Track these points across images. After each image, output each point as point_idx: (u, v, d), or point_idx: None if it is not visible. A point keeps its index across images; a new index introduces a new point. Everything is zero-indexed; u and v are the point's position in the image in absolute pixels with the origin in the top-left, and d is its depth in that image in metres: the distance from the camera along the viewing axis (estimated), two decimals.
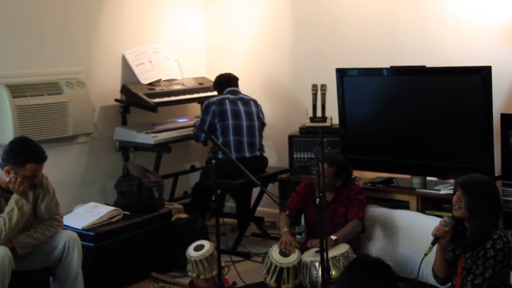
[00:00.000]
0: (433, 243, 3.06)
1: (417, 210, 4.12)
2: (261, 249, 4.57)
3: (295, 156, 4.69)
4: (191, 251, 3.88)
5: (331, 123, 4.65)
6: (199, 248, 3.89)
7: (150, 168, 4.71)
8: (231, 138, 4.64)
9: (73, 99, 4.40)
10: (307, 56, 5.16)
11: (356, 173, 4.51)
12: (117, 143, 4.87)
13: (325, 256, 3.25)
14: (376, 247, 4.10)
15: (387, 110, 4.28)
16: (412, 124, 4.16)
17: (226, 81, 4.89)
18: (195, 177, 5.27)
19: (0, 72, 4.16)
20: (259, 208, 5.10)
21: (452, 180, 3.96)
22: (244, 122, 4.71)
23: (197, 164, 5.45)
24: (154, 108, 4.72)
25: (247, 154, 4.69)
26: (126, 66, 4.97)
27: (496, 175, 3.85)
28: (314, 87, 4.72)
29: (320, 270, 3.34)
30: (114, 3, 4.91)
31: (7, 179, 3.27)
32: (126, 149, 4.86)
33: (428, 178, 4.23)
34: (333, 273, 3.49)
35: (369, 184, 4.34)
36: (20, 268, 3.34)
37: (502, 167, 3.85)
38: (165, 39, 5.34)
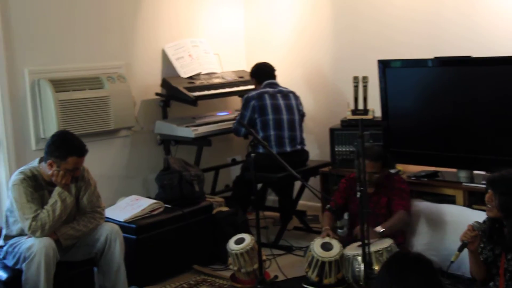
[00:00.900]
0: (460, 250, 2.93)
1: (464, 205, 4.00)
2: (303, 243, 4.53)
3: (336, 149, 4.62)
4: (231, 245, 3.86)
5: (373, 116, 4.63)
6: (240, 241, 3.87)
7: (191, 162, 4.72)
8: (272, 132, 4.59)
9: (114, 93, 4.43)
10: (348, 48, 5.07)
11: (400, 167, 4.42)
12: (158, 137, 4.88)
13: (367, 250, 3.21)
14: (421, 242, 4.01)
15: (431, 102, 4.16)
16: (458, 116, 4.04)
17: (265, 72, 4.83)
18: (236, 170, 5.25)
19: (44, 67, 4.22)
20: (301, 202, 5.05)
21: None
22: (285, 116, 4.65)
23: (238, 157, 5.44)
24: (194, 101, 4.72)
25: (288, 149, 4.64)
26: (166, 60, 4.98)
27: None
28: (356, 79, 4.67)
29: (362, 264, 3.29)
30: None
31: (50, 172, 3.32)
32: (167, 142, 4.88)
33: (475, 172, 4.10)
34: (376, 267, 3.41)
35: (413, 178, 4.23)
36: (64, 259, 3.39)
37: None
38: (205, 33, 5.33)
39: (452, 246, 3.81)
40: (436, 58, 4.10)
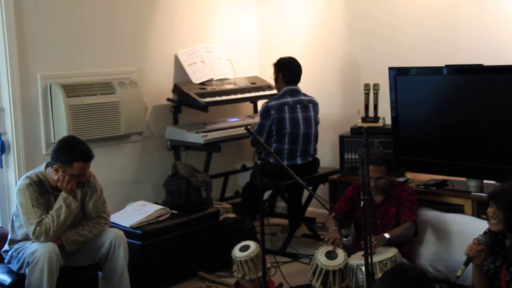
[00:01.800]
0: (465, 264, 2.90)
1: (472, 215, 3.95)
2: (310, 250, 4.50)
3: (346, 156, 4.60)
4: (236, 252, 3.87)
5: (384, 123, 4.60)
6: (244, 248, 3.87)
7: (201, 167, 4.74)
8: (286, 146, 4.58)
9: (125, 99, 4.47)
10: (360, 54, 5.05)
11: (409, 175, 4.38)
12: (169, 142, 4.92)
13: (371, 260, 3.18)
14: (428, 251, 3.97)
15: (442, 110, 4.12)
16: (468, 124, 3.99)
17: (291, 74, 4.69)
18: (246, 176, 5.26)
19: (56, 72, 4.28)
20: (310, 209, 5.04)
21: None
22: (301, 131, 4.62)
23: (248, 163, 5.44)
24: (204, 107, 4.73)
25: (299, 161, 4.65)
26: (178, 66, 5.01)
27: None
28: (367, 86, 4.65)
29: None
30: (167, 2, 4.96)
31: (56, 178, 3.36)
32: (177, 148, 4.90)
33: (485, 181, 4.05)
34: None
35: (422, 187, 4.19)
36: (68, 264, 3.43)
37: None
38: (218, 39, 5.36)
39: (459, 257, 3.76)
40: (447, 66, 4.06)
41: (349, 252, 3.67)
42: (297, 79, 4.73)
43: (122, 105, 4.46)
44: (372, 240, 3.27)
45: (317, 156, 4.84)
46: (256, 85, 5.29)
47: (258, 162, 3.53)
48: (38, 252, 3.21)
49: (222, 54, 5.28)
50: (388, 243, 3.61)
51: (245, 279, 3.82)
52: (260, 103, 5.13)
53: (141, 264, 3.86)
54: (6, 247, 3.49)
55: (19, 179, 3.70)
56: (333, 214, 3.82)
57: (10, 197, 4.10)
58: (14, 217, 3.45)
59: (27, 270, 3.24)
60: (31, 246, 3.29)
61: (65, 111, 4.16)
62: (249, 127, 4.10)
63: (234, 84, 5.19)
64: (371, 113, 4.65)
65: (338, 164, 4.70)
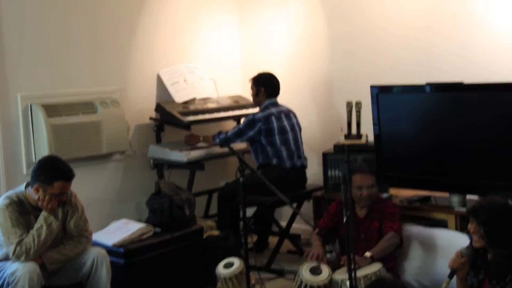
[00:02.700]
0: (450, 277, 2.90)
1: (456, 229, 3.97)
2: (296, 267, 4.43)
3: (329, 173, 4.62)
4: (220, 269, 3.83)
5: (367, 140, 4.63)
6: (229, 265, 3.84)
7: (185, 185, 4.72)
8: (282, 148, 4.68)
9: (107, 118, 4.46)
10: (342, 74, 5.11)
11: (392, 191, 4.39)
12: (152, 161, 4.90)
13: (356, 274, 3.17)
14: (413, 266, 3.97)
15: (424, 127, 4.17)
16: (450, 140, 4.03)
17: (273, 87, 4.84)
18: None
19: (37, 92, 4.26)
20: (295, 225, 5.03)
21: None
22: (290, 136, 4.74)
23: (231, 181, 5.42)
24: (187, 126, 4.74)
25: (298, 164, 4.75)
26: (161, 85, 5.02)
27: None
28: (349, 104, 4.69)
29: None
30: (149, 22, 4.98)
31: (36, 197, 3.33)
32: (160, 166, 4.89)
33: (467, 196, 4.07)
34: None
35: (405, 202, 4.21)
36: (50, 284, 3.39)
37: None
38: (201, 58, 5.38)
39: (443, 271, 3.72)
40: (429, 84, 4.10)
41: (334, 267, 3.66)
42: (278, 92, 4.87)
43: (104, 124, 4.45)
44: (356, 262, 3.28)
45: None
46: (239, 104, 5.31)
47: (241, 179, 3.53)
48: (19, 272, 3.17)
49: (205, 73, 5.30)
50: (373, 261, 3.60)
51: None
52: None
53: (124, 282, 3.80)
54: None
55: None
56: (317, 230, 3.82)
57: None
58: None
59: None
60: (11, 266, 3.24)
61: (46, 131, 4.14)
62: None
63: (217, 102, 5.21)
64: (354, 131, 4.68)
65: (322, 181, 4.71)
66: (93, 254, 3.46)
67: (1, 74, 4.07)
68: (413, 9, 4.67)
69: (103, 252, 3.51)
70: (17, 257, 3.23)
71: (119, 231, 4.04)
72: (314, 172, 5.14)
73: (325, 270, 3.61)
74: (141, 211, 4.79)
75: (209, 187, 5.20)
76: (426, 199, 4.23)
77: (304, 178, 4.85)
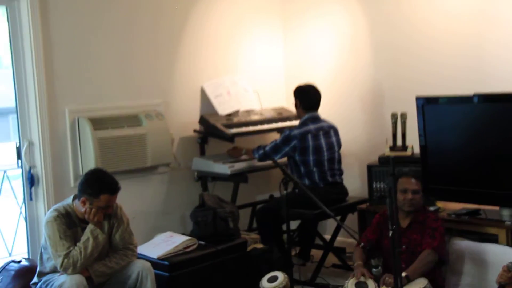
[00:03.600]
0: None
1: (507, 244, 3.84)
2: (340, 281, 4.42)
3: (374, 186, 4.55)
4: (264, 283, 3.81)
5: (413, 152, 4.54)
6: (273, 279, 3.81)
7: (229, 198, 4.72)
8: (314, 169, 4.58)
9: (152, 131, 4.50)
10: (387, 84, 5.03)
11: (439, 204, 4.29)
12: (196, 173, 4.92)
13: None
14: (463, 282, 3.87)
15: (473, 138, 4.05)
16: (500, 152, 3.90)
17: (310, 100, 4.71)
18: None
19: (84, 106, 4.34)
20: (340, 239, 4.97)
21: None
22: (325, 157, 4.62)
23: (276, 194, 5.39)
24: (231, 138, 4.75)
25: (330, 179, 4.64)
26: (204, 98, 5.05)
27: None
28: (394, 115, 4.61)
29: None
30: (192, 35, 5.02)
31: (83, 210, 3.38)
32: (204, 179, 4.91)
33: None
34: None
35: (453, 216, 4.10)
36: None
37: None
38: (244, 70, 5.39)
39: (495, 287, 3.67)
40: (477, 94, 3.99)
41: (379, 282, 3.59)
42: (316, 105, 4.73)
43: (148, 137, 4.49)
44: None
45: (345, 184, 4.79)
46: (282, 116, 5.29)
47: (285, 192, 3.51)
48: (66, 284, 3.22)
49: (248, 85, 5.30)
50: (408, 281, 3.50)
51: None
52: None
53: None
54: (35, 279, 3.51)
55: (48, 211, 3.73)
56: (362, 244, 3.76)
57: (39, 230, 4.12)
58: (42, 250, 3.48)
59: None
60: (59, 279, 3.30)
61: (92, 144, 4.20)
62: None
63: (261, 114, 5.20)
64: (399, 142, 4.60)
65: (367, 193, 4.64)
66: (138, 267, 3.49)
67: (50, 89, 4.16)
68: (460, 14, 4.55)
69: (148, 264, 3.53)
70: (65, 269, 3.29)
71: (164, 243, 4.07)
72: (358, 185, 5.07)
73: (371, 285, 3.55)
74: (185, 223, 4.81)
75: (253, 200, 5.19)
76: (475, 212, 4.11)
77: (341, 191, 4.74)
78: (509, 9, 4.31)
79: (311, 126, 4.63)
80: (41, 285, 3.42)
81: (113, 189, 3.41)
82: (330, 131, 4.73)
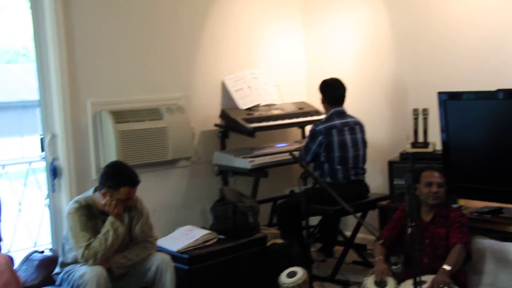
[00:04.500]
0: None
1: None
2: (360, 278, 4.35)
3: (395, 182, 4.51)
4: (283, 278, 3.82)
5: (434, 149, 4.49)
6: (292, 274, 3.82)
7: (249, 192, 4.72)
8: (338, 167, 4.55)
9: (173, 124, 4.52)
10: (408, 77, 4.97)
11: (461, 202, 4.24)
12: (216, 168, 4.93)
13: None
14: (485, 281, 3.81)
15: (496, 135, 3.97)
16: None
17: (335, 94, 4.67)
18: None
19: (105, 99, 4.38)
20: (360, 235, 4.94)
21: None
22: (350, 154, 4.58)
23: (297, 189, 5.39)
24: (251, 133, 4.74)
25: (353, 177, 4.61)
26: (225, 92, 5.05)
27: None
28: (415, 111, 4.56)
29: None
30: (213, 30, 5.03)
31: (103, 202, 3.41)
32: (225, 173, 4.91)
33: None
34: None
35: (475, 214, 4.05)
36: None
37: None
38: (265, 64, 5.38)
39: None
40: (502, 90, 3.92)
41: (399, 280, 3.56)
42: (341, 100, 4.69)
43: (169, 130, 4.50)
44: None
45: (367, 181, 4.76)
46: (303, 110, 5.26)
47: (303, 187, 3.51)
48: (87, 275, 3.25)
49: (269, 79, 5.29)
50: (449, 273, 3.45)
51: None
52: (308, 128, 5.10)
53: None
54: (57, 269, 3.56)
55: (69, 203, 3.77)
56: (381, 241, 3.73)
57: (62, 221, 4.16)
58: (64, 241, 3.52)
59: None
60: (80, 269, 3.33)
61: (114, 137, 4.24)
62: (294, 152, 4.09)
63: (282, 109, 5.18)
64: (420, 138, 4.55)
65: (388, 190, 4.60)
66: (158, 260, 3.51)
67: (73, 82, 4.20)
68: (485, 6, 4.44)
69: (167, 258, 3.55)
70: (86, 260, 3.32)
71: (184, 237, 4.09)
72: (380, 181, 5.03)
73: (391, 283, 3.52)
74: (205, 217, 4.82)
75: (273, 195, 5.18)
76: (498, 211, 4.05)
77: (362, 188, 4.71)
78: None
79: (337, 121, 4.60)
80: (63, 275, 3.46)
81: (133, 181, 3.43)
82: (356, 127, 4.67)
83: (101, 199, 3.43)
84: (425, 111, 4.51)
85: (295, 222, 4.54)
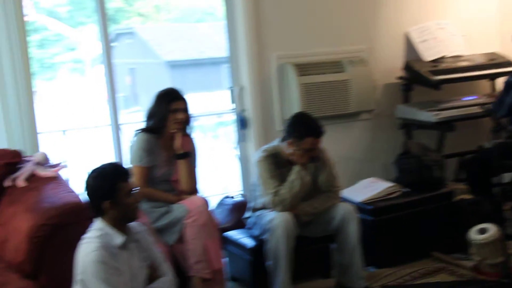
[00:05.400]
0: None
1: None
2: None
3: None
4: (474, 234, 3.65)
5: None
6: (482, 231, 3.65)
7: (432, 147, 4.55)
8: None
9: (355, 77, 4.48)
10: None
11: None
12: (399, 121, 4.81)
13: None
14: None
15: None
16: None
17: None
18: None
19: (289, 52, 4.45)
20: None
21: None
22: None
23: (486, 145, 5.07)
24: (436, 85, 4.54)
25: None
26: (408, 44, 4.87)
27: None
28: None
29: None
30: None
31: (289, 151, 3.49)
32: (408, 127, 4.77)
33: None
34: None
35: None
36: (304, 235, 3.53)
37: None
38: (452, 14, 5.08)
39: None
40: None
41: None
42: None
43: (351, 83, 4.47)
44: None
45: None
46: (495, 61, 4.91)
47: (494, 142, 3.27)
48: (276, 220, 3.38)
49: (456, 30, 5.00)
50: None
51: (484, 263, 3.59)
52: (501, 81, 4.76)
53: (373, 239, 3.83)
54: (249, 213, 3.75)
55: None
56: None
57: (250, 168, 4.36)
58: (254, 187, 3.68)
59: (266, 235, 3.42)
60: (269, 214, 3.47)
61: (297, 89, 4.31)
62: (486, 105, 3.83)
63: (470, 60, 4.88)
64: None
65: None
66: (342, 209, 3.53)
67: (259, 35, 4.33)
68: None
69: (351, 208, 3.56)
70: (274, 206, 3.45)
71: (367, 189, 4.08)
72: None
73: None
74: (387, 170, 4.73)
75: (460, 150, 4.93)
76: None
77: None
78: None
79: None
80: (253, 219, 3.65)
81: (317, 132, 3.47)
82: None
83: (287, 149, 3.51)
84: None
85: (485, 178, 4.30)
